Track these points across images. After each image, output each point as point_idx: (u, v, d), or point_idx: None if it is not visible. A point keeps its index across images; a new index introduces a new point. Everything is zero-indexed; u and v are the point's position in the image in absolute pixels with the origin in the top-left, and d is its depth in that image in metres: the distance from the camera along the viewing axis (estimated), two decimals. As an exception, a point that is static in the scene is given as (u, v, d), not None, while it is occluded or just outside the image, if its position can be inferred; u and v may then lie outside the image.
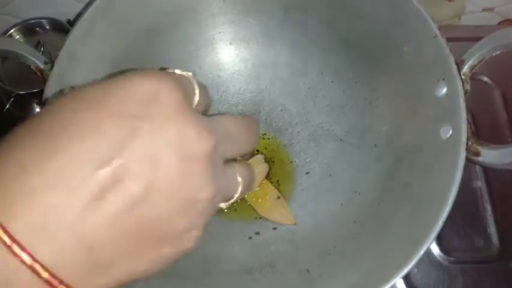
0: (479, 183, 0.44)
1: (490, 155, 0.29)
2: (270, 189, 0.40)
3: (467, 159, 0.29)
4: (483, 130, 0.46)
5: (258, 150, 0.42)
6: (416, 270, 0.41)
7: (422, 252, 0.27)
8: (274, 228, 0.38)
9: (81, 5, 0.47)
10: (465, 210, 0.42)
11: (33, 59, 0.33)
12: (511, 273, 0.40)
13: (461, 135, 0.29)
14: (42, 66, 0.33)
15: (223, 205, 0.34)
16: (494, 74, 0.48)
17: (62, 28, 0.47)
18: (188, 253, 0.20)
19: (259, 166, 0.41)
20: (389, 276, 0.28)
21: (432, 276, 0.40)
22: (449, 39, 0.32)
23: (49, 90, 0.32)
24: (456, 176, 0.28)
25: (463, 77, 0.30)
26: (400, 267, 0.28)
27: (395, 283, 0.27)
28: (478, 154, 0.29)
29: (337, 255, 0.34)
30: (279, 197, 0.39)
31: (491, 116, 0.47)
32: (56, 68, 0.33)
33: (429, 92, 0.32)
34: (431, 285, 0.40)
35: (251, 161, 0.41)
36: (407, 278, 0.40)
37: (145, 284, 0.31)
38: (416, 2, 0.32)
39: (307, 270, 0.34)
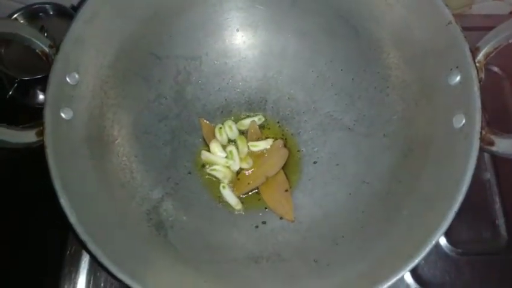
0: (488, 175, 0.43)
1: (505, 145, 0.28)
2: (282, 179, 0.39)
3: (480, 149, 0.29)
4: (492, 121, 0.45)
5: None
6: (423, 261, 0.40)
7: (434, 242, 0.27)
8: (281, 218, 0.38)
9: (85, -10, 0.46)
10: (473, 202, 0.41)
11: (38, 42, 0.32)
12: (519, 266, 0.40)
13: (475, 124, 0.29)
14: (47, 50, 0.32)
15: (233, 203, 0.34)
16: (504, 64, 0.48)
17: (66, 13, 0.46)
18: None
19: (279, 151, 0.40)
20: (399, 266, 0.27)
21: (439, 267, 0.40)
22: (459, 29, 0.31)
23: (54, 75, 0.32)
24: (469, 165, 0.28)
25: (477, 64, 0.30)
26: (411, 257, 0.27)
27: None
28: (491, 144, 0.29)
29: (345, 245, 0.34)
30: (286, 190, 0.39)
31: (501, 106, 0.47)
32: (61, 52, 0.32)
33: (442, 80, 0.32)
34: (438, 276, 0.40)
35: (271, 146, 0.40)
36: (413, 269, 0.40)
37: (151, 272, 0.31)
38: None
39: (315, 260, 0.33)
